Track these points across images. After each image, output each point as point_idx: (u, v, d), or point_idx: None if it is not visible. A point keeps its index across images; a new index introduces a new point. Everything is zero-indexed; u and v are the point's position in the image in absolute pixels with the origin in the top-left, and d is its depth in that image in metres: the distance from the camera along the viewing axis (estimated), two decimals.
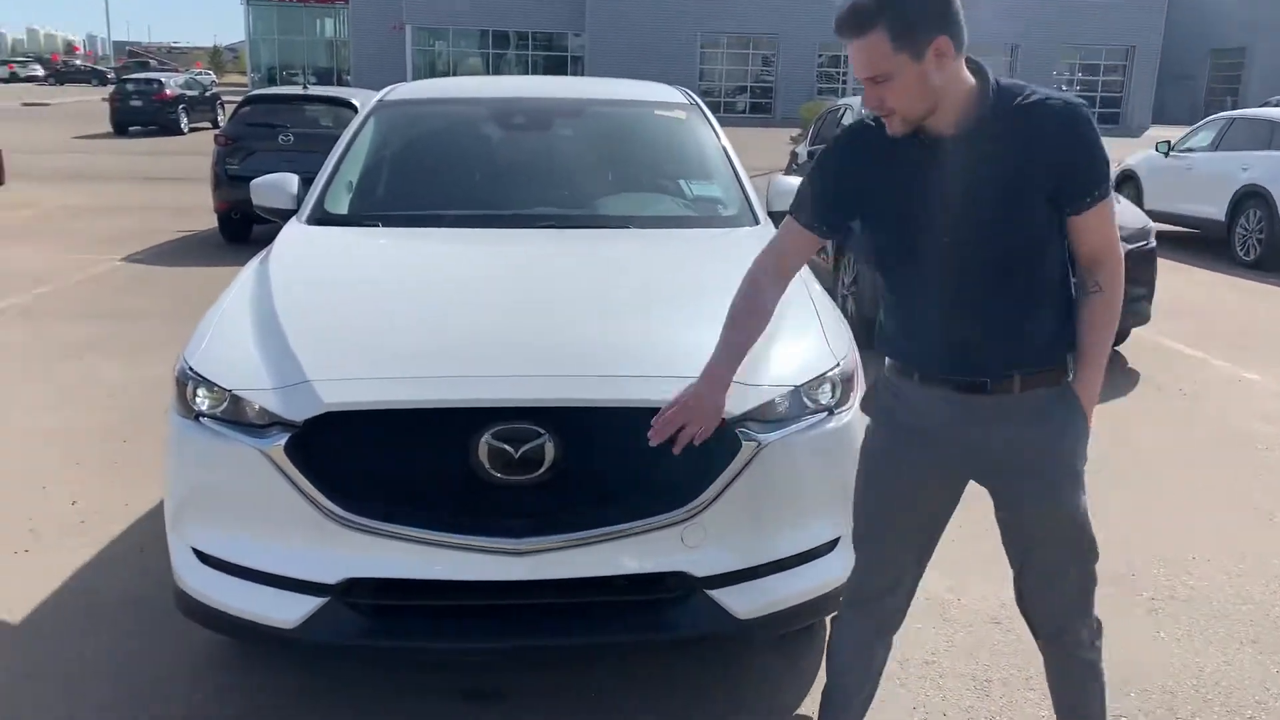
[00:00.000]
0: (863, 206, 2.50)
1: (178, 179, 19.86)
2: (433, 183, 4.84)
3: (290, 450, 2.91)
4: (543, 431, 2.90)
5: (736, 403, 2.94)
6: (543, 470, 2.91)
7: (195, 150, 24.22)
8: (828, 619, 3.20)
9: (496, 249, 4.21)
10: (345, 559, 2.96)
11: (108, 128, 32.27)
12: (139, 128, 32.25)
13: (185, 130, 32.69)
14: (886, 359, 2.62)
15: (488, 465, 2.90)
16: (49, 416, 6.23)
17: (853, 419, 3.23)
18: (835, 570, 3.15)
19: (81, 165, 22.64)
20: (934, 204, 2.33)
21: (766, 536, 3.11)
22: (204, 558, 3.12)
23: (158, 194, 17.83)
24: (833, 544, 3.20)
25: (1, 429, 6.02)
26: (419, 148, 5.12)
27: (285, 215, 4.61)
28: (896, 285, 2.53)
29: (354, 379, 3.01)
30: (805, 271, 3.36)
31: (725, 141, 5.09)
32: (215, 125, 33.65)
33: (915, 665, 3.70)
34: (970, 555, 4.09)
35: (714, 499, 2.99)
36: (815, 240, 2.60)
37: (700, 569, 3.04)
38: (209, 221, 13.38)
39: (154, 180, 20.08)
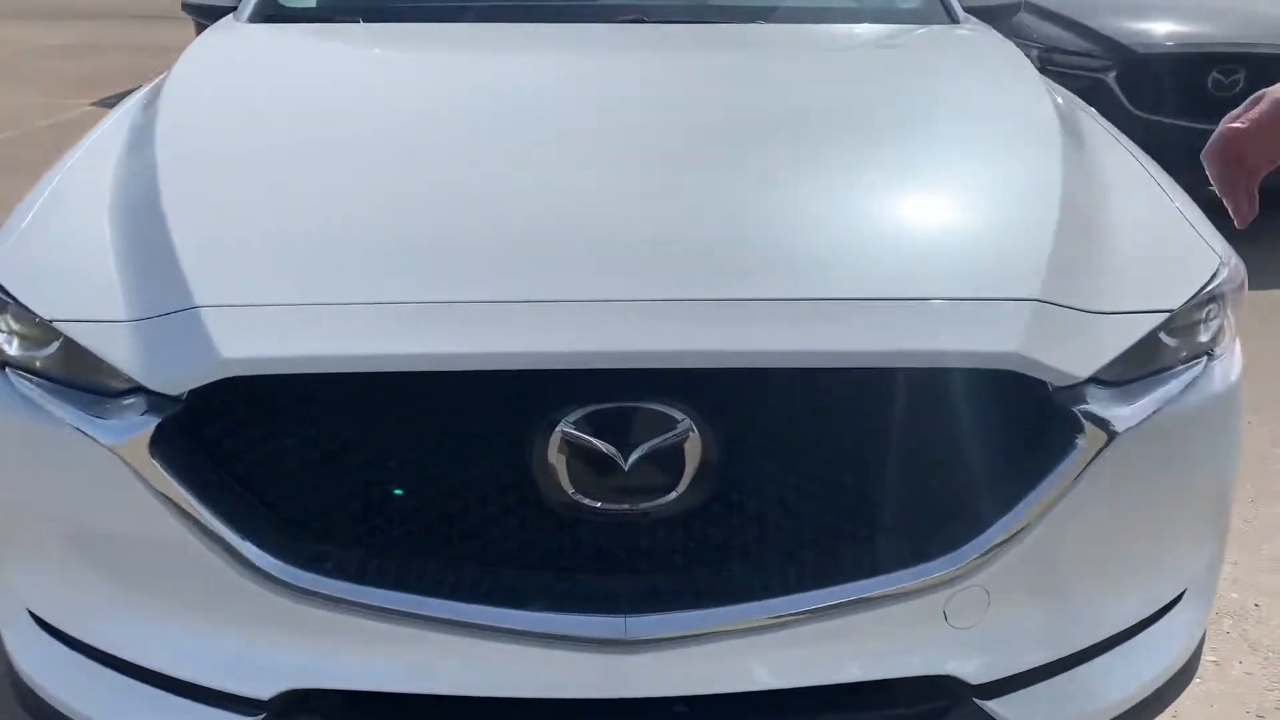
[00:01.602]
0: None
1: (175, 17, 17.94)
2: None
3: (162, 448, 1.42)
4: (681, 417, 1.38)
5: (1072, 348, 1.43)
6: (679, 492, 1.41)
7: None
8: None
9: (557, 61, 2.59)
10: (284, 654, 1.50)
11: None
12: None
13: None
14: None
15: (567, 484, 1.40)
16: None
17: (1235, 365, 1.71)
18: (1178, 642, 1.73)
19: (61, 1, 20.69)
20: None
21: (1088, 601, 1.61)
22: (47, 628, 1.66)
23: (147, 32, 15.99)
24: (1176, 600, 1.71)
25: None
26: None
27: (219, 14, 2.95)
28: None
29: (289, 307, 1.48)
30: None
31: None
32: None
33: None
34: None
35: (1009, 540, 1.48)
36: None
37: (976, 668, 1.56)
38: None
39: (145, 18, 18.18)
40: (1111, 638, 1.66)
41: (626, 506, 1.43)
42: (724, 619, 1.48)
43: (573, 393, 1.40)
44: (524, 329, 1.40)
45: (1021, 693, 1.61)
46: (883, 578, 1.51)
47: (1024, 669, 1.59)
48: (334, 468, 1.47)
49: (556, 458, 1.39)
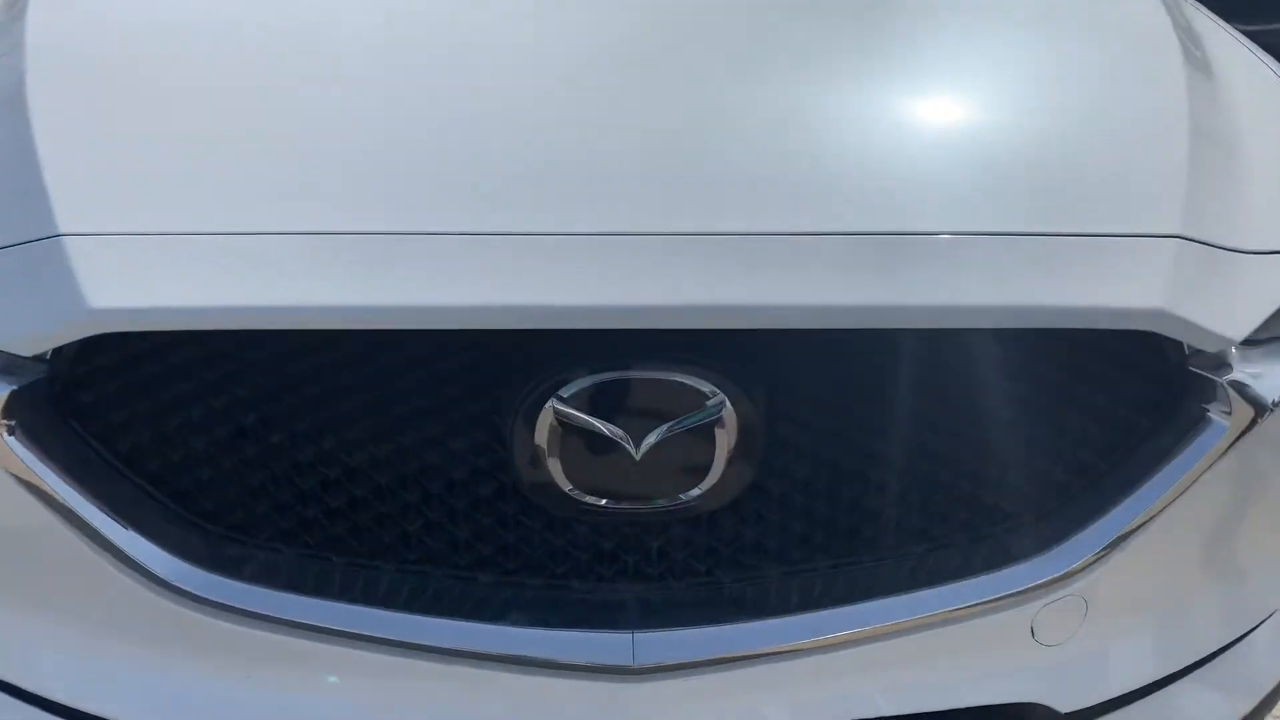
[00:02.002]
0: None
1: None
2: None
3: (21, 422, 1.06)
4: (713, 391, 1.03)
5: (1223, 300, 1.10)
6: (706, 488, 1.07)
7: None
8: None
9: None
10: (190, 681, 1.16)
11: None
12: None
13: None
14: None
15: (560, 477, 1.07)
16: None
17: None
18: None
19: None
20: None
21: (1197, 612, 1.30)
22: None
23: None
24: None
25: None
26: None
27: None
28: None
29: (185, 239, 1.09)
30: None
31: None
32: None
33: None
34: None
35: (1123, 538, 1.15)
36: None
37: (1067, 693, 1.25)
38: None
39: None
40: (1212, 654, 1.35)
41: (638, 506, 1.09)
42: (757, 639, 1.16)
43: (567, 357, 1.04)
44: (499, 273, 1.03)
45: (1112, 716, 1.31)
46: (960, 586, 1.19)
47: (1121, 692, 1.28)
48: (253, 447, 1.12)
49: (546, 443, 1.05)
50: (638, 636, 1.14)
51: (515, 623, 1.15)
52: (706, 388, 1.04)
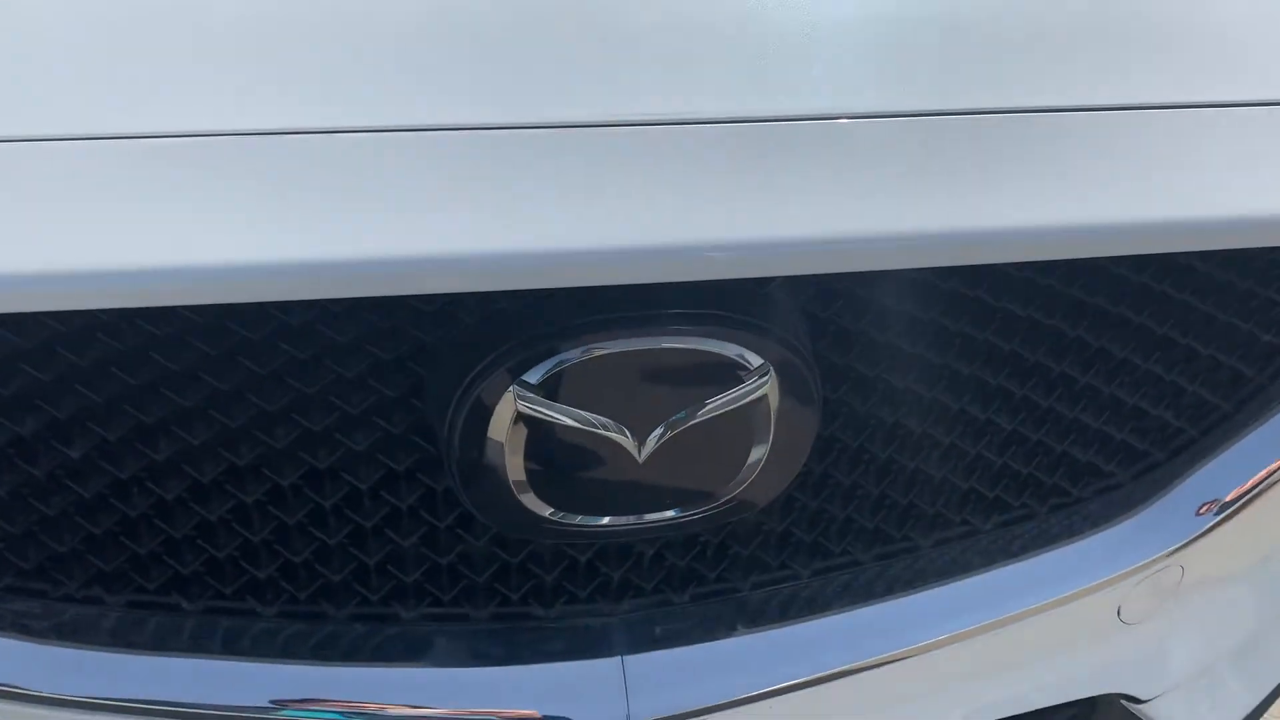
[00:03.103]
0: None
1: None
2: None
3: None
4: (756, 361, 0.68)
5: None
6: (737, 494, 0.73)
7: None
8: None
9: None
10: None
11: None
12: None
13: None
14: None
15: (527, 495, 0.69)
16: None
17: None
18: None
19: None
20: None
21: None
22: None
23: None
24: None
25: None
26: None
27: None
28: None
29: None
30: None
31: None
32: None
33: None
34: None
35: (1236, 509, 0.88)
36: None
37: (1150, 681, 1.00)
38: None
39: None
40: None
41: (643, 523, 0.74)
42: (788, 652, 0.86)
43: (530, 322, 0.67)
44: (402, 200, 0.63)
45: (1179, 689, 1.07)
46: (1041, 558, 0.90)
47: (1203, 669, 1.04)
48: (47, 455, 0.72)
49: (507, 441, 0.68)
50: (628, 664, 0.83)
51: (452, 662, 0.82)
52: (742, 354, 0.69)
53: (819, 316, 0.75)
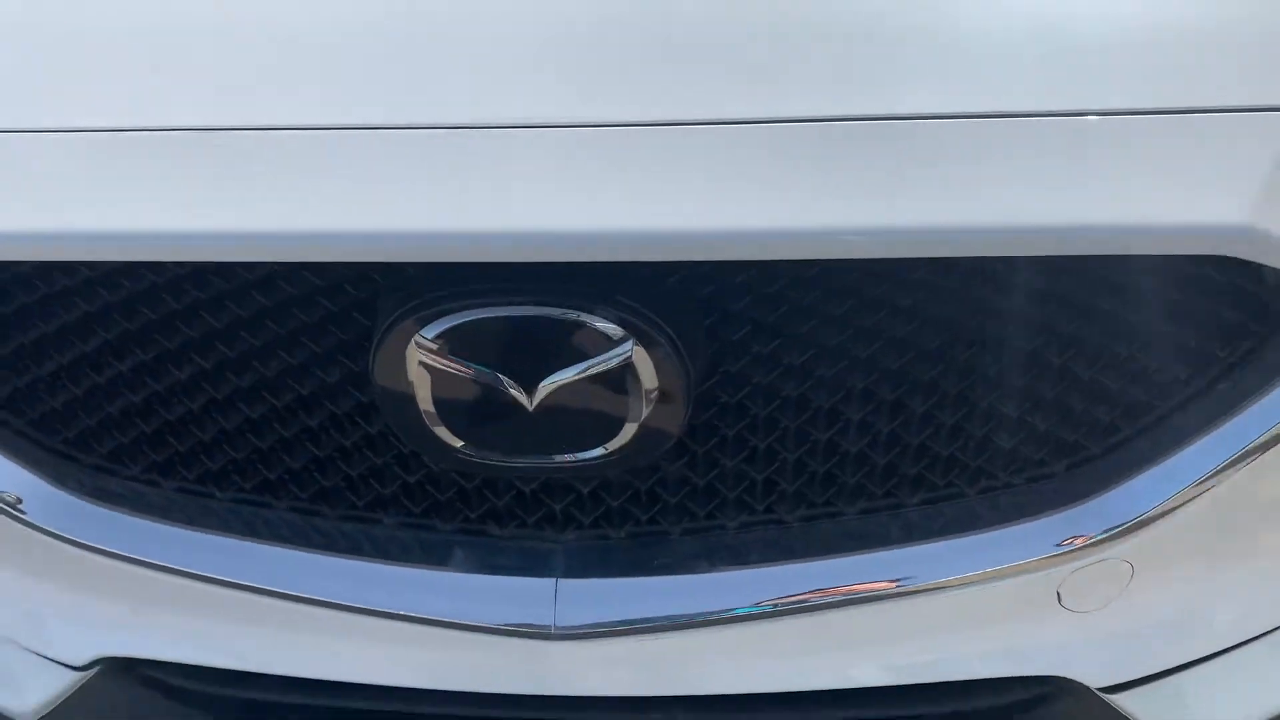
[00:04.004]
0: None
1: None
2: None
3: None
4: (619, 334, 0.80)
5: None
6: (615, 447, 0.86)
7: None
8: None
9: None
10: (80, 611, 1.07)
11: None
12: None
13: None
14: None
15: (438, 426, 0.85)
16: None
17: None
18: None
19: None
20: None
21: (1262, 580, 1.04)
22: None
23: None
24: None
25: None
26: None
27: None
28: None
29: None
30: None
31: None
32: None
33: None
34: None
35: (1188, 497, 0.89)
36: None
37: (1101, 668, 1.03)
38: None
39: None
40: None
41: (541, 462, 0.88)
42: (703, 595, 0.97)
43: (430, 284, 0.82)
44: (325, 184, 0.78)
45: (1154, 684, 1.08)
46: (960, 542, 0.96)
47: (1167, 666, 1.05)
48: (107, 376, 0.95)
49: (415, 389, 0.84)
50: (563, 585, 0.97)
51: (418, 563, 0.99)
52: (611, 329, 0.81)
53: (704, 296, 0.85)
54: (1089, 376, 0.90)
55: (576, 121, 0.76)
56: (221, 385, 0.94)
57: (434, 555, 0.99)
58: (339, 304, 0.87)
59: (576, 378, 0.82)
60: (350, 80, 0.79)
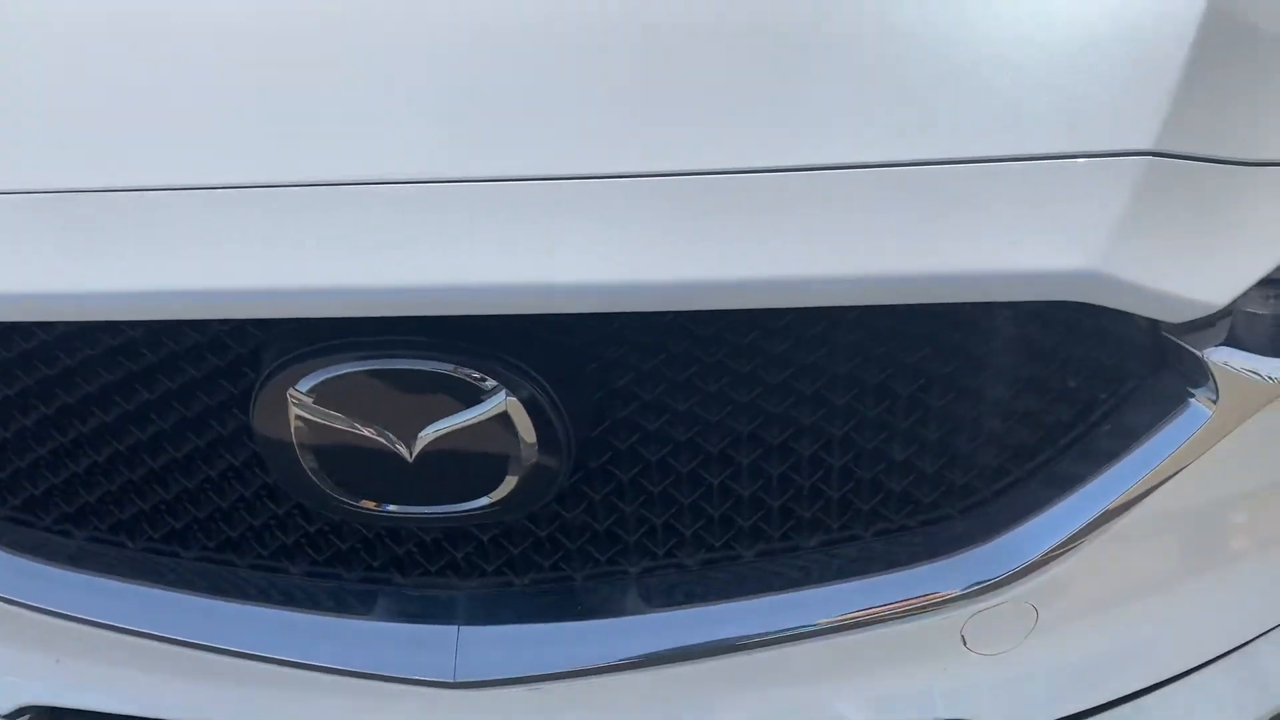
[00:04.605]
0: None
1: None
2: None
3: None
4: (491, 384, 0.81)
5: (1210, 246, 0.76)
6: (499, 497, 0.86)
7: None
8: None
9: None
10: (10, 666, 1.08)
11: None
12: None
13: None
14: None
15: (321, 481, 0.86)
16: None
17: None
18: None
19: None
20: None
21: (1165, 625, 1.03)
22: None
23: None
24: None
25: None
26: None
27: None
28: None
29: None
30: None
31: None
32: None
33: None
34: None
35: (1079, 539, 0.89)
36: None
37: (1004, 714, 1.02)
38: None
39: None
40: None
41: (430, 512, 0.89)
42: (607, 640, 0.97)
43: (302, 339, 0.84)
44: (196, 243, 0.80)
45: None
46: (863, 584, 0.96)
47: (1069, 713, 1.04)
48: (11, 427, 0.97)
49: (295, 434, 0.85)
50: (465, 632, 0.98)
51: (326, 611, 1.00)
52: (482, 380, 0.82)
53: (572, 346, 0.86)
54: (973, 419, 0.90)
55: (446, 177, 0.78)
56: (124, 437, 0.95)
57: (342, 603, 1.00)
58: (224, 358, 0.89)
59: (452, 429, 0.83)
60: (218, 139, 0.81)
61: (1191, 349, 0.82)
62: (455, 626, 0.98)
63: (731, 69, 0.80)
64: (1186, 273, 0.77)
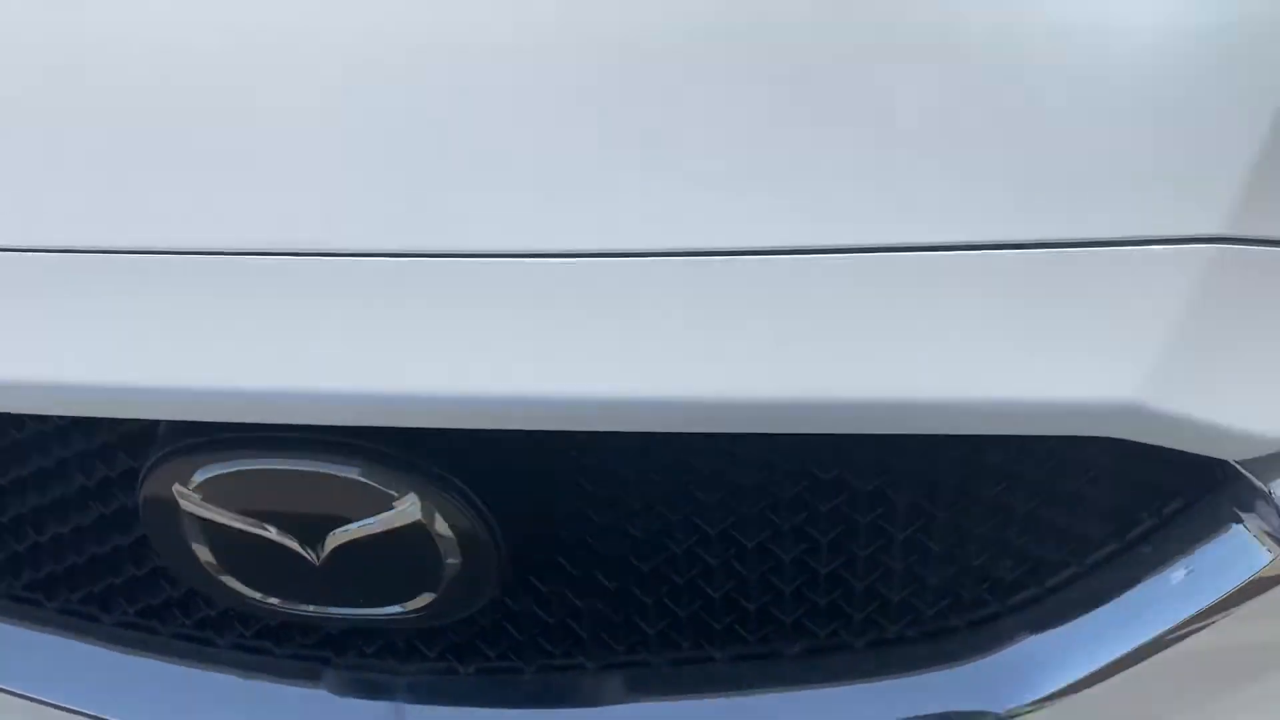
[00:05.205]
0: None
1: None
2: None
3: None
4: (400, 492, 0.69)
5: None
6: (428, 602, 0.75)
7: None
8: None
9: None
10: None
11: None
12: None
13: None
14: None
15: (225, 576, 0.76)
16: None
17: None
18: None
19: None
20: None
21: None
22: None
23: None
24: None
25: None
26: None
27: None
28: None
29: None
30: None
31: None
32: None
33: None
34: None
35: (1110, 671, 0.75)
36: None
37: None
38: None
39: None
40: None
41: (342, 612, 0.78)
42: None
43: (185, 432, 0.72)
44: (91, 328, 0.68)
45: None
46: (850, 690, 0.84)
47: None
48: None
49: (186, 535, 0.75)
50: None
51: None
52: (380, 483, 0.70)
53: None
54: (986, 534, 0.76)
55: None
56: (25, 501, 0.86)
57: (282, 672, 0.91)
58: (121, 429, 0.78)
59: (362, 534, 0.72)
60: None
61: (1255, 480, 0.67)
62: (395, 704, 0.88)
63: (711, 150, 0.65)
64: (1257, 400, 0.61)
